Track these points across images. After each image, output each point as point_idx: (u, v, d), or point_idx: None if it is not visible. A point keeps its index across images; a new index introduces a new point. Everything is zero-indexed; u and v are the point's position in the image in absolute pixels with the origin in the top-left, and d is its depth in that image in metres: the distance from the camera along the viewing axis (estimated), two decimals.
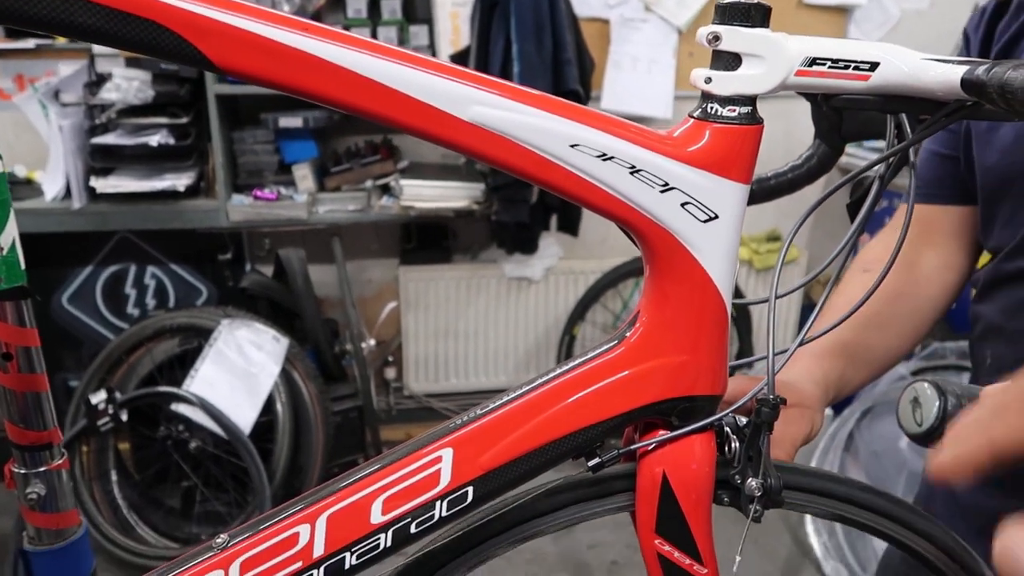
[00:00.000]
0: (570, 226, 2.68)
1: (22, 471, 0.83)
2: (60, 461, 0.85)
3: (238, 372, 2.18)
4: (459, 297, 2.81)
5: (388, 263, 2.83)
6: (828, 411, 2.72)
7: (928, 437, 0.37)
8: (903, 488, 2.06)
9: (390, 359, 2.89)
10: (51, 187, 2.33)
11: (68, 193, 2.32)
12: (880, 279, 0.61)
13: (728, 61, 0.51)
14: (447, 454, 0.53)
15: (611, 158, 0.50)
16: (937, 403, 0.36)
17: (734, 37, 0.50)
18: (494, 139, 0.49)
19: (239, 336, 2.23)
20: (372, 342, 2.68)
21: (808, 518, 2.32)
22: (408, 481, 0.53)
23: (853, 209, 0.65)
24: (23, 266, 0.81)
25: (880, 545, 2.08)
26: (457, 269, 2.80)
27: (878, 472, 2.19)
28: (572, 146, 0.50)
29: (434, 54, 2.48)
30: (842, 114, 0.67)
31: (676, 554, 0.56)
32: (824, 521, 2.26)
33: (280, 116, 2.43)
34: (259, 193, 2.44)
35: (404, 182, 2.46)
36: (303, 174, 2.49)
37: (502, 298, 2.84)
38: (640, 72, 2.81)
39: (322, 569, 0.53)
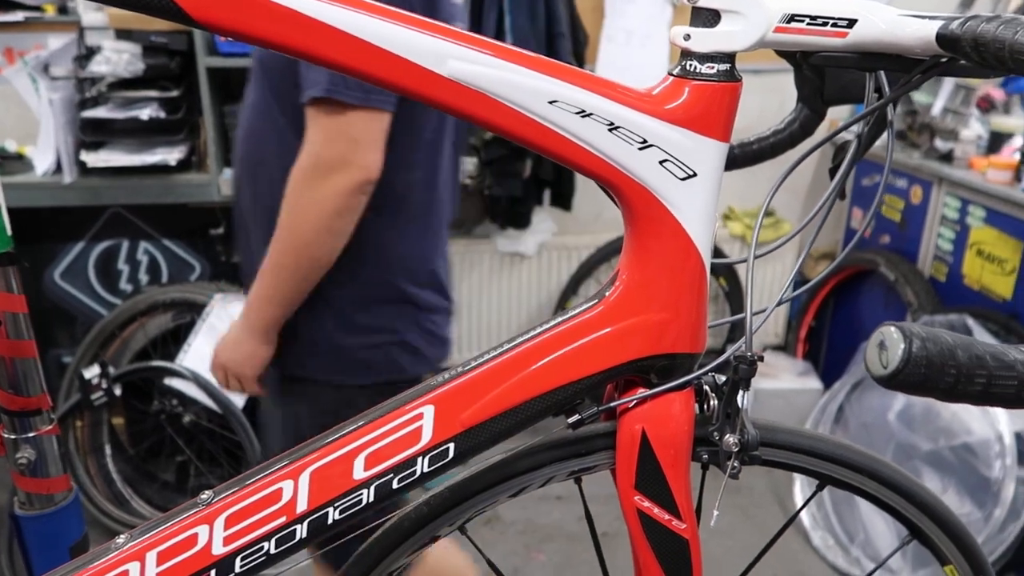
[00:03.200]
0: (563, 201, 2.68)
1: (12, 436, 0.84)
2: (49, 427, 0.85)
3: None
4: (452, 272, 2.81)
5: None
6: (818, 385, 2.73)
7: (893, 379, 0.37)
8: (891, 459, 2.09)
9: None
10: (42, 161, 2.32)
11: (59, 167, 2.30)
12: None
13: (707, 18, 0.51)
14: (428, 411, 0.54)
15: (589, 115, 0.50)
16: (902, 346, 0.37)
17: None
18: (471, 95, 0.49)
19: (232, 311, 2.23)
20: None
21: (797, 488, 2.35)
22: (390, 437, 0.54)
23: (834, 173, 0.65)
24: (9, 232, 0.81)
25: (867, 515, 2.10)
26: (450, 244, 2.79)
27: (867, 444, 2.22)
28: (550, 102, 0.50)
29: None
30: (824, 78, 0.68)
31: (656, 510, 0.57)
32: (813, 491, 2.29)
33: None
34: None
35: None
36: None
37: (495, 273, 2.84)
38: (634, 46, 2.79)
39: (305, 524, 0.53)
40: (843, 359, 2.57)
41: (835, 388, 2.40)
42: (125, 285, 2.61)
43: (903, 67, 0.55)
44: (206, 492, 0.55)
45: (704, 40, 0.51)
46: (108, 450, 2.22)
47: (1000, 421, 1.90)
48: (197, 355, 2.17)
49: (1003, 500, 1.84)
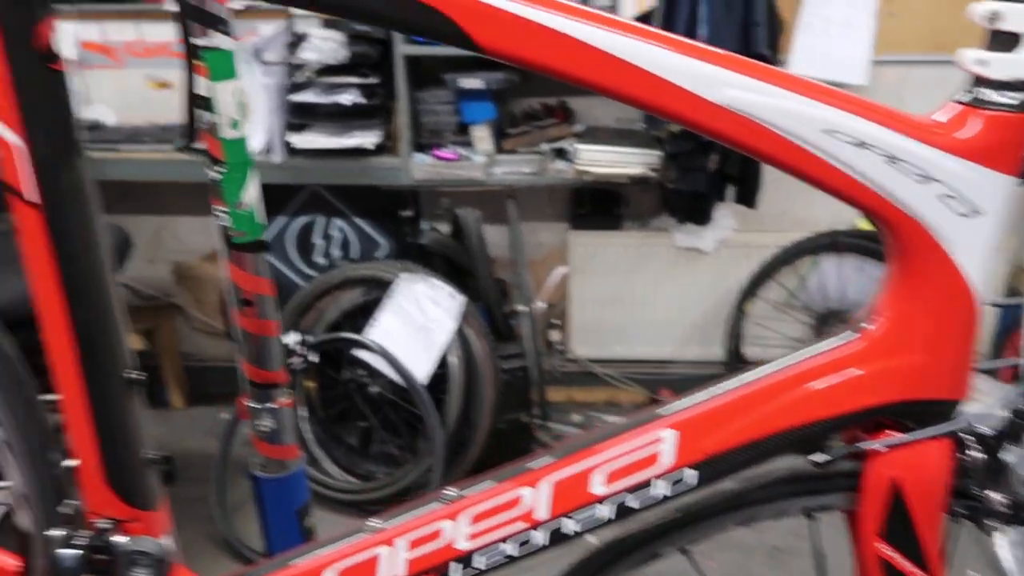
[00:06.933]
0: (748, 198, 2.58)
1: (254, 405, 0.93)
2: (286, 400, 0.94)
3: (415, 324, 2.29)
4: (627, 265, 2.79)
5: (558, 227, 2.85)
6: None
7: None
8: None
9: (556, 322, 2.93)
10: (253, 142, 2.51)
11: (267, 147, 2.49)
12: None
13: (1006, 42, 0.47)
14: (670, 435, 0.54)
15: (867, 145, 0.48)
16: None
17: (1017, 16, 0.46)
18: (744, 123, 0.48)
19: (416, 290, 2.34)
20: (542, 304, 2.72)
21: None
22: (628, 458, 0.54)
23: None
24: (263, 221, 0.88)
25: None
26: (627, 236, 2.78)
27: None
28: (826, 132, 0.48)
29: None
30: None
31: (900, 560, 0.54)
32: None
33: (460, 77, 2.48)
34: (439, 152, 2.52)
35: (580, 146, 2.45)
36: (481, 135, 2.54)
37: (671, 268, 2.79)
38: (833, 35, 2.63)
39: (547, 532, 0.55)
40: None
41: None
42: (319, 259, 2.80)
43: None
44: (449, 489, 0.58)
45: (1003, 67, 0.47)
46: (305, 413, 2.39)
47: None
48: (384, 330, 2.30)
49: None
